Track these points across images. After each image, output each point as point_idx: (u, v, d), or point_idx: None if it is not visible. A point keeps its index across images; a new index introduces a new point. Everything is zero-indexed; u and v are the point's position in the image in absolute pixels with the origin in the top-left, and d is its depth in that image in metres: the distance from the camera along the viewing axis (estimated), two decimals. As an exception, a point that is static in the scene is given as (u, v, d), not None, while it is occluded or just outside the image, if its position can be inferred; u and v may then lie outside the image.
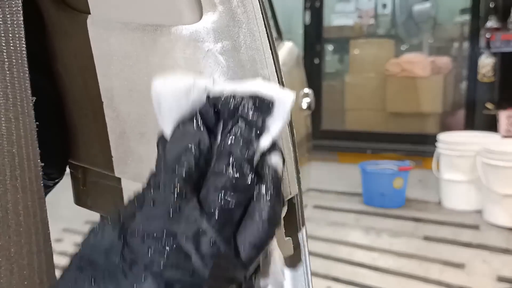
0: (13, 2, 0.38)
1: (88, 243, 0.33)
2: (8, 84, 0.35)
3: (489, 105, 4.14)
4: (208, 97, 0.35)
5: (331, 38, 5.41)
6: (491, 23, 4.01)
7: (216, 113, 0.34)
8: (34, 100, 0.37)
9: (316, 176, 4.07)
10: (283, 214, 0.48)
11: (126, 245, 0.31)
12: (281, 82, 0.47)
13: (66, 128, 0.56)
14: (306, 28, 5.16)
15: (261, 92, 0.35)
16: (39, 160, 0.37)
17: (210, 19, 0.42)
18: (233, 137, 0.33)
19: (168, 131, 0.35)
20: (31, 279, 0.34)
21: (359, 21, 5.38)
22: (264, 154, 0.34)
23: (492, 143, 3.36)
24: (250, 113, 0.34)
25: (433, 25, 5.24)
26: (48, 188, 0.55)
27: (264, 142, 0.34)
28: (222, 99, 0.34)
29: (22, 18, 0.38)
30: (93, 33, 0.48)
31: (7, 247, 0.33)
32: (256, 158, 0.33)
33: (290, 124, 0.47)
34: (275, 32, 2.19)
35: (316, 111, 4.15)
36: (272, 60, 0.46)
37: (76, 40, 0.49)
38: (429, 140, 3.96)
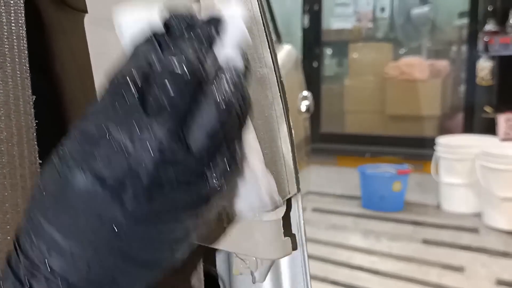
0: (12, 1, 0.37)
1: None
2: (0, 81, 0.35)
3: (487, 108, 4.15)
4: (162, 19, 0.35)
5: (330, 41, 5.42)
6: (490, 26, 4.02)
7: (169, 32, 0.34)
8: (33, 99, 0.37)
9: (315, 179, 4.07)
10: (282, 213, 0.47)
11: (61, 149, 0.31)
12: (279, 82, 0.47)
13: (64, 128, 0.55)
14: (305, 31, 5.17)
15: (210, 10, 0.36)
16: (36, 157, 0.36)
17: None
18: (180, 39, 0.32)
19: None
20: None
21: (357, 25, 5.39)
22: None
23: (491, 146, 3.36)
24: (199, 26, 0.33)
25: (432, 28, 5.25)
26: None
27: (220, 50, 0.34)
28: (172, 17, 0.34)
29: (23, 18, 0.37)
30: (92, 32, 0.47)
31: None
32: (211, 63, 0.33)
33: (289, 124, 0.47)
34: (274, 35, 2.19)
35: (315, 115, 4.15)
36: (270, 59, 0.46)
37: (74, 39, 0.49)
38: (428, 144, 3.96)
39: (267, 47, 0.45)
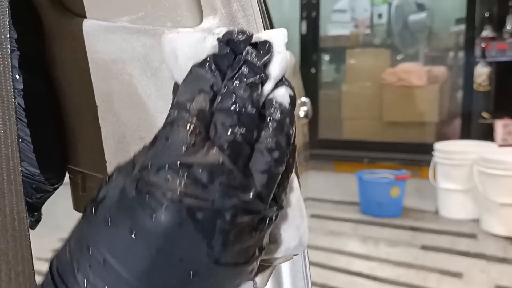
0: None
1: (101, 189, 0.32)
2: None
3: (485, 114, 4.16)
4: (219, 39, 0.34)
5: (328, 47, 5.43)
6: (486, 32, 4.04)
7: (232, 51, 0.33)
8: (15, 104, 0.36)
9: (313, 185, 4.07)
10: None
11: (140, 179, 0.30)
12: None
13: (65, 133, 0.55)
14: (303, 37, 5.18)
15: (257, 36, 0.34)
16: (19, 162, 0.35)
17: (210, 22, 0.42)
18: (238, 81, 0.32)
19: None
20: (25, 286, 0.33)
21: (355, 31, 5.40)
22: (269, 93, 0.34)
23: (488, 152, 3.37)
24: (253, 57, 0.33)
25: (429, 34, 5.27)
26: (47, 193, 0.55)
27: (268, 86, 0.33)
28: (234, 36, 0.33)
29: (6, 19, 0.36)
30: (92, 37, 0.47)
31: (5, 252, 0.32)
32: (261, 100, 0.33)
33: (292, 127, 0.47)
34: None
35: (312, 121, 4.16)
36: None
37: (74, 44, 0.49)
38: (426, 149, 3.97)
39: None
